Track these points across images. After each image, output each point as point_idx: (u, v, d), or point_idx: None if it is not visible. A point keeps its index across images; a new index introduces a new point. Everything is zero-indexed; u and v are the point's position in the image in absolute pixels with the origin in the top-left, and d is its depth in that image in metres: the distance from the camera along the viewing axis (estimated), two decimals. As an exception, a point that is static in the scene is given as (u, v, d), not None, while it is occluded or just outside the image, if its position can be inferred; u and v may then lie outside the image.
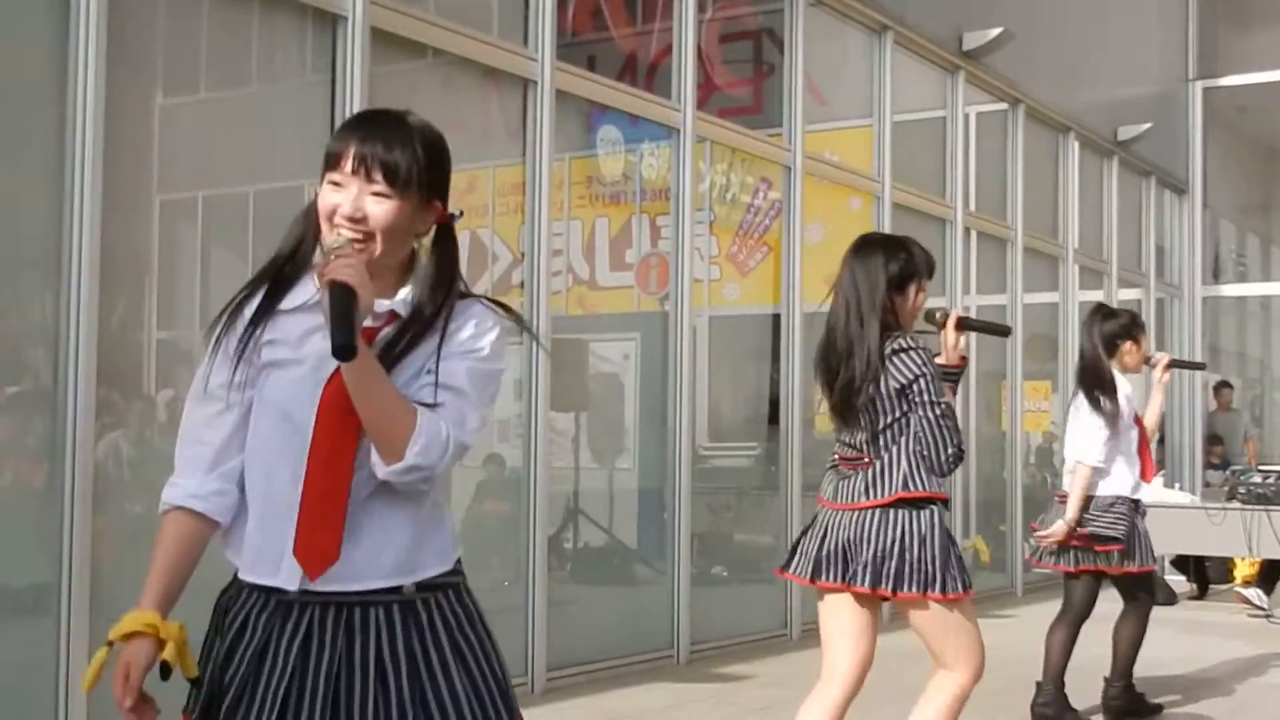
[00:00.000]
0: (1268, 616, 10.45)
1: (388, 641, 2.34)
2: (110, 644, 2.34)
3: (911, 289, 4.41)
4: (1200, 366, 11.63)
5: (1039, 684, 6.59)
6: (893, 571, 4.29)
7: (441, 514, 2.47)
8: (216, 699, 2.38)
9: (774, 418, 9.35)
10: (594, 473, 8.54)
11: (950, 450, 4.24)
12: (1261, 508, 10.27)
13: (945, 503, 4.38)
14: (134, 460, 5.83)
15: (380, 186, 2.34)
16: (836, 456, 4.55)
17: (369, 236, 2.34)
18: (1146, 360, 6.77)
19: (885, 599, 4.46)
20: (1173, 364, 7.09)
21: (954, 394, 4.48)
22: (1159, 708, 6.98)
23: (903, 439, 4.28)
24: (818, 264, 10.05)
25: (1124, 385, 6.53)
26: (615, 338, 8.74)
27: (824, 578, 4.45)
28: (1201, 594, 11.88)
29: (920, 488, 4.25)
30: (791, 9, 9.36)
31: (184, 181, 6.25)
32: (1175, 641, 9.11)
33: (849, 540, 4.37)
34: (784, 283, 9.31)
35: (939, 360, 4.42)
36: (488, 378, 2.41)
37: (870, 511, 4.31)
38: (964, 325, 4.61)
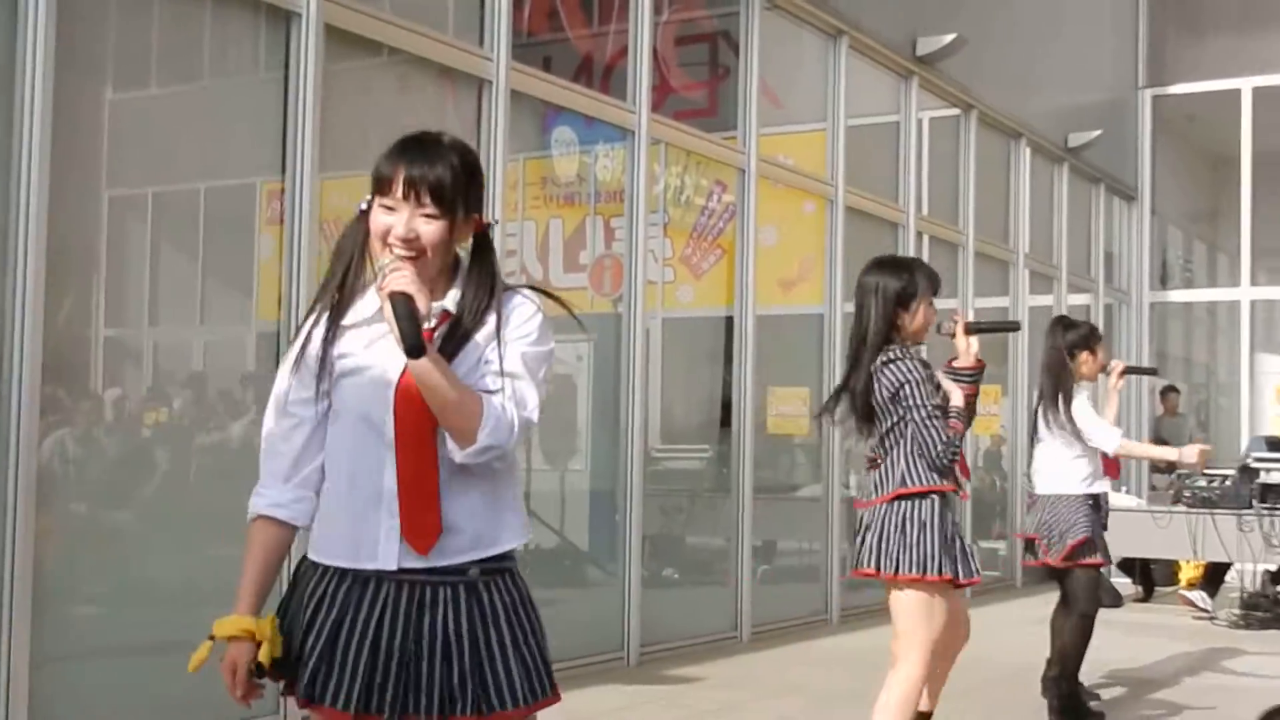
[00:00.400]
0: (1211, 619, 10.55)
1: (453, 620, 2.60)
2: (212, 638, 2.64)
3: (915, 307, 4.89)
4: (1153, 372, 11.74)
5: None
6: (894, 554, 4.74)
7: (514, 496, 2.75)
8: (299, 663, 2.63)
9: (726, 420, 9.36)
10: (546, 474, 8.52)
11: (939, 447, 4.72)
12: (1206, 511, 10.38)
13: (946, 495, 4.81)
14: (80, 459, 5.77)
15: (430, 209, 2.59)
16: (865, 459, 5.08)
17: (421, 252, 2.59)
18: (1103, 368, 7.01)
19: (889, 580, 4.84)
20: (1127, 370, 7.41)
21: (976, 392, 4.96)
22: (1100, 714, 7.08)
23: (903, 440, 4.78)
24: (771, 267, 10.08)
25: (1082, 388, 6.87)
26: (568, 339, 8.72)
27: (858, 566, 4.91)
28: (1147, 596, 11.99)
29: (916, 483, 4.76)
30: (747, 12, 9.38)
31: (134, 177, 6.19)
32: (1121, 643, 9.19)
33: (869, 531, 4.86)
34: (737, 285, 9.33)
35: (957, 364, 4.99)
36: (540, 358, 2.67)
37: (880, 506, 4.82)
38: (971, 330, 5.04)
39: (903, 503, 4.77)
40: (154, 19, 6.16)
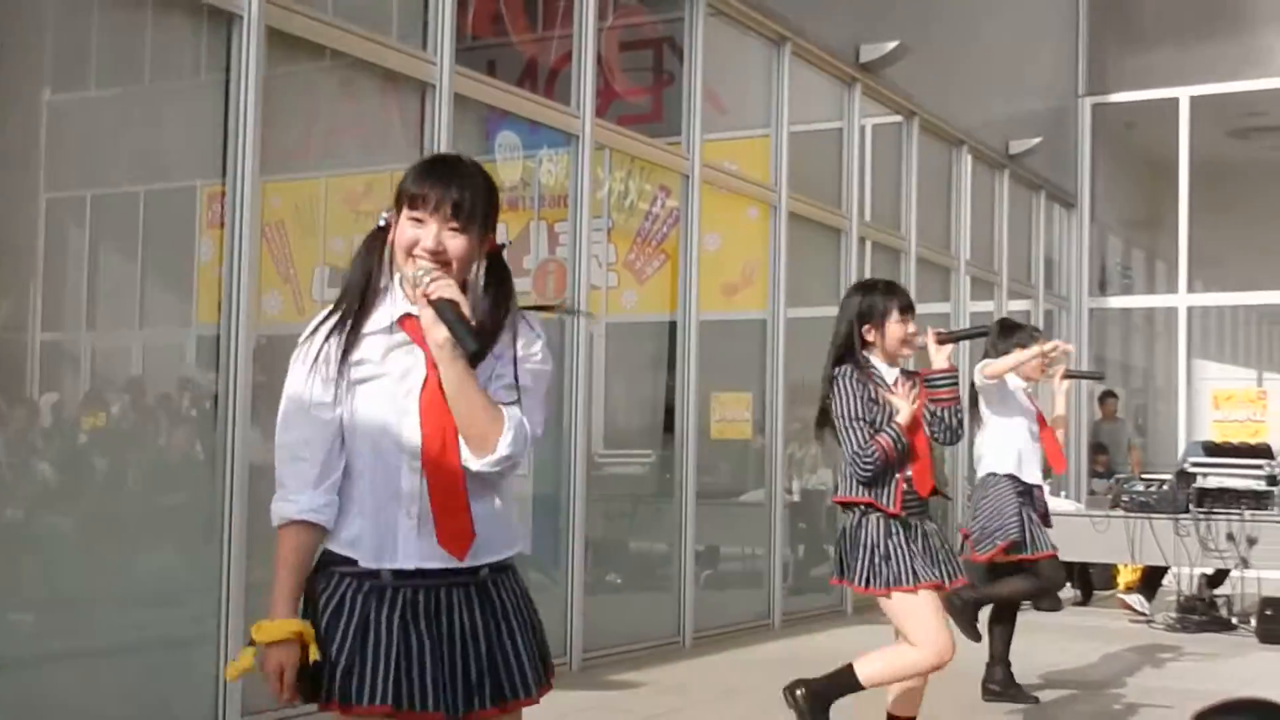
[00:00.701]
0: (1149, 622, 10.66)
1: (469, 618, 2.77)
2: (252, 644, 2.71)
3: (884, 324, 5.11)
4: (1098, 376, 11.84)
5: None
6: (838, 561, 5.18)
7: (512, 504, 2.93)
8: (324, 671, 2.71)
9: (669, 425, 9.37)
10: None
11: (848, 462, 5.06)
12: (1144, 516, 10.49)
13: (870, 506, 5.07)
14: (15, 465, 5.71)
15: (456, 224, 2.74)
16: None
17: (446, 265, 2.73)
18: (1044, 369, 7.18)
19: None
20: (1069, 375, 7.60)
21: (952, 397, 5.21)
22: (1034, 698, 7.32)
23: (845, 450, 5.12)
24: (715, 272, 10.10)
25: (1013, 379, 7.09)
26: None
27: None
28: (1085, 600, 12.10)
29: (845, 493, 5.12)
30: (691, 19, 9.40)
31: (72, 180, 6.13)
32: (1059, 646, 9.28)
33: None
34: (681, 291, 9.34)
35: (933, 369, 5.25)
36: (544, 377, 2.86)
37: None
38: (944, 340, 5.29)
39: (846, 512, 5.15)
40: (93, 20, 6.10)
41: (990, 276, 14.33)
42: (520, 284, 8.90)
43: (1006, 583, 7.08)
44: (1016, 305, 14.98)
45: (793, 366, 10.26)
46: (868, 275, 11.84)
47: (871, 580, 5.01)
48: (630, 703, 7.23)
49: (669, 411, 9.40)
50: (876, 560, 5.01)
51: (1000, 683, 7.25)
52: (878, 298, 5.16)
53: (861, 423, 5.01)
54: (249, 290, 6.06)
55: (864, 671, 5.15)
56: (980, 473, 7.14)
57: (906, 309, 5.16)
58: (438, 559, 2.74)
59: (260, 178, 6.18)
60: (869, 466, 4.99)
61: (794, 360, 10.27)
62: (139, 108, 6.41)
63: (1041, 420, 7.18)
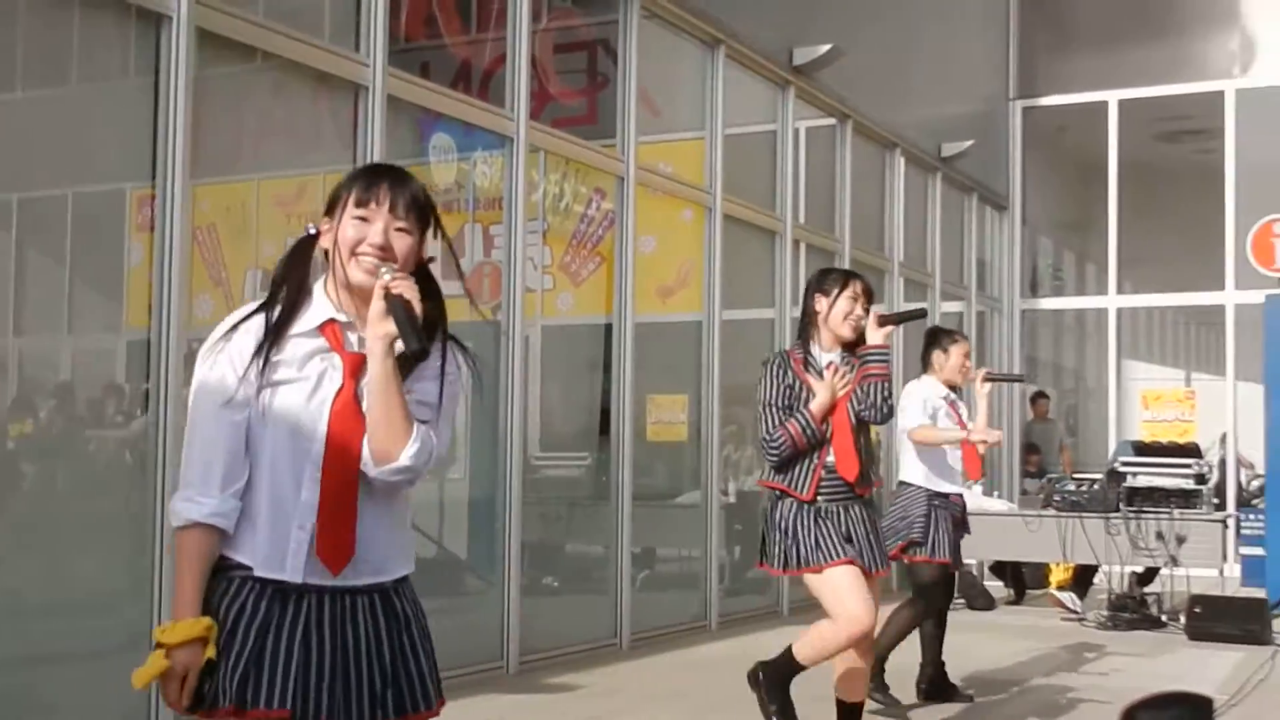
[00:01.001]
0: (1081, 620, 10.77)
1: (373, 626, 2.74)
2: (161, 646, 2.60)
3: (838, 298, 5.36)
4: (1019, 379, 11.95)
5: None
6: (759, 547, 5.47)
7: (409, 521, 2.93)
8: (221, 676, 2.64)
9: (605, 428, 9.36)
10: (424, 483, 8.39)
11: (762, 441, 5.32)
12: (1075, 515, 10.61)
13: (784, 493, 5.30)
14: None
15: (403, 223, 2.74)
16: None
17: (385, 261, 2.71)
18: (965, 370, 7.28)
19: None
20: (990, 377, 7.64)
21: (883, 372, 5.30)
22: (970, 696, 7.41)
23: None
24: (650, 274, 10.12)
25: (935, 386, 7.26)
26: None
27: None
28: (1018, 598, 12.21)
29: (764, 478, 5.42)
30: (625, 21, 9.40)
31: (-1, 182, 6.04)
32: (992, 644, 9.36)
33: None
34: (616, 293, 9.34)
35: (863, 347, 5.37)
36: (455, 401, 2.86)
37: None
38: (884, 321, 5.43)
39: (766, 496, 5.46)
40: (19, 20, 6.02)
41: (924, 278, 14.43)
42: (455, 287, 8.93)
43: (892, 623, 7.10)
44: (950, 307, 15.11)
45: (728, 368, 10.29)
46: (802, 277, 11.92)
47: (786, 563, 5.26)
48: (568, 705, 7.22)
49: (605, 414, 9.40)
50: (787, 544, 5.25)
51: (932, 682, 7.32)
52: (837, 274, 5.55)
53: (774, 409, 5.25)
54: (180, 294, 6.00)
55: (799, 651, 5.38)
56: (898, 477, 7.25)
57: (866, 293, 5.40)
58: (323, 575, 2.69)
59: (190, 180, 6.11)
60: (775, 452, 5.25)
61: (729, 362, 10.30)
62: (67, 109, 6.33)
63: (963, 427, 7.24)
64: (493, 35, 8.52)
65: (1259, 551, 12.13)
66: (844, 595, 5.18)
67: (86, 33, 6.30)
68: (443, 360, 2.80)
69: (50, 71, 6.25)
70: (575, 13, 9.91)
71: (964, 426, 7.22)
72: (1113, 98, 16.20)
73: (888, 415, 5.37)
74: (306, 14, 7.22)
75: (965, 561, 11.70)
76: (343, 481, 2.68)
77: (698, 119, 10.48)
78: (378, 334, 2.64)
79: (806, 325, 5.44)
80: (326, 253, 2.80)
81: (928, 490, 7.03)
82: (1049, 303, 17.69)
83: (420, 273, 2.80)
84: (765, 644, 9.43)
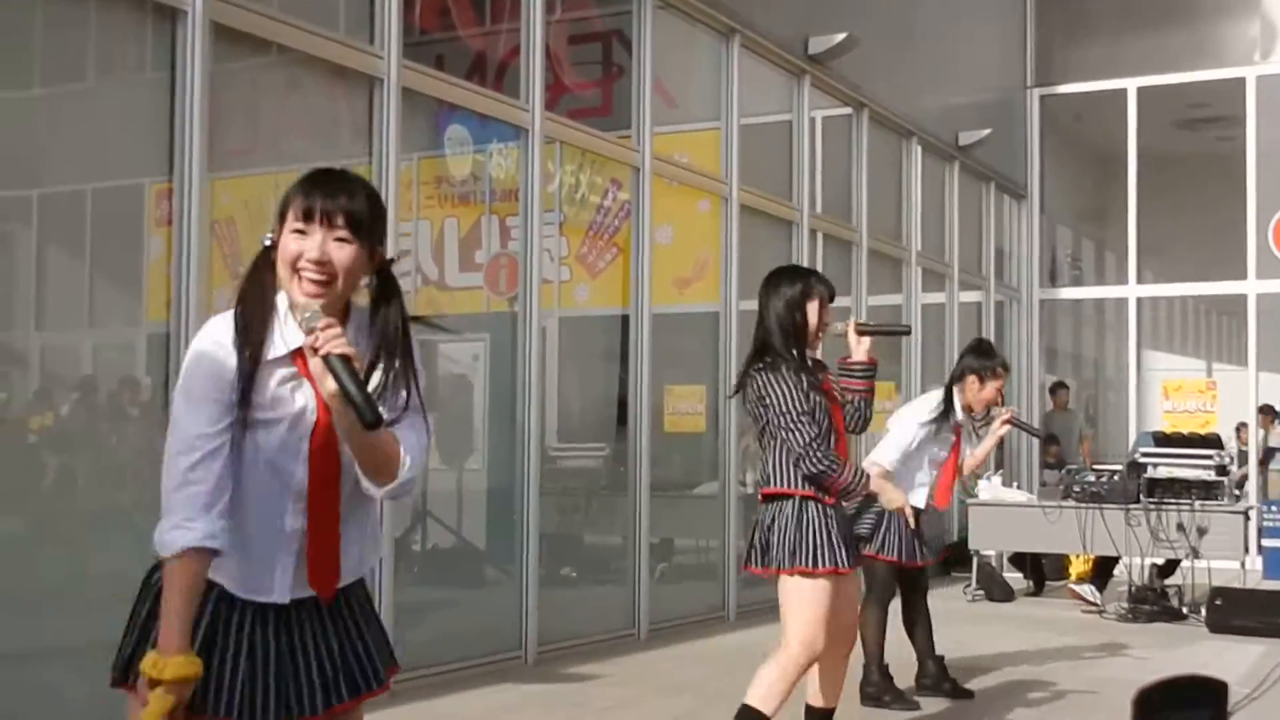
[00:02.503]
0: (1100, 612, 10.74)
1: (318, 625, 2.78)
2: (158, 683, 2.55)
3: (807, 310, 5.21)
4: (1038, 435, 11.77)
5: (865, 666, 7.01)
6: (760, 551, 5.16)
7: (379, 522, 2.95)
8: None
9: (623, 418, 9.38)
10: (443, 474, 8.48)
11: (795, 456, 5.07)
12: (1095, 506, 10.59)
13: (806, 499, 5.10)
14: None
15: (342, 232, 2.67)
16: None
17: (332, 278, 2.67)
18: (987, 407, 7.21)
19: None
20: (1012, 422, 7.50)
21: (868, 388, 5.27)
22: (969, 692, 7.33)
23: (774, 442, 5.14)
24: (666, 265, 10.12)
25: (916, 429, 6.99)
26: (464, 339, 8.69)
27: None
28: (1038, 590, 12.17)
29: (779, 485, 5.13)
30: (640, 11, 9.40)
31: (18, 179, 6.07)
32: (1011, 636, 9.35)
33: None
34: (633, 284, 9.35)
35: (849, 360, 5.35)
36: (424, 388, 2.81)
37: (760, 506, 5.25)
38: (862, 331, 5.36)
39: (771, 504, 5.18)
40: (36, 17, 6.04)
41: (941, 268, 14.41)
42: (472, 279, 8.95)
43: (865, 632, 6.93)
44: (968, 297, 15.08)
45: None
46: (820, 267, 11.91)
47: (821, 561, 5.03)
48: (585, 695, 7.24)
49: (622, 405, 9.41)
50: (821, 543, 5.07)
51: (932, 677, 7.29)
52: (798, 287, 5.27)
53: (806, 416, 5.05)
54: (199, 287, 6.03)
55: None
56: None
57: (831, 298, 5.31)
58: (306, 591, 2.76)
59: (208, 174, 6.14)
60: (831, 472, 5.05)
61: (747, 353, 10.27)
62: (84, 105, 6.36)
63: (955, 451, 7.14)
64: (507, 27, 8.53)
65: (1280, 544, 12.10)
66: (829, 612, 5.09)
67: (103, 28, 6.32)
68: (413, 358, 2.76)
69: (67, 68, 6.28)
70: (589, 3, 9.91)
71: (955, 454, 7.11)
72: (1131, 85, 16.13)
73: (866, 428, 5.41)
74: (321, 7, 7.24)
75: (984, 553, 11.77)
76: (326, 511, 2.72)
77: (713, 109, 10.47)
78: (327, 391, 2.60)
79: (776, 338, 5.24)
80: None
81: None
82: (1068, 292, 17.63)
83: (381, 275, 2.76)
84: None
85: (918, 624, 7.36)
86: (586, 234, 9.57)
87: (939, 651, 7.36)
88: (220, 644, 2.68)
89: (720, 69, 10.45)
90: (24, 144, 6.02)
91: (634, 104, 9.40)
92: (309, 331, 2.59)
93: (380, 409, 2.55)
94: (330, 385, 2.56)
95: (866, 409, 5.31)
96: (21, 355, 6.11)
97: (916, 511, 6.86)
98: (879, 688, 7.00)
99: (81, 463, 6.22)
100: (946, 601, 11.51)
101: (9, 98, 6.03)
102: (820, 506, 5.10)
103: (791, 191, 11.42)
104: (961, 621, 9.84)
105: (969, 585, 11.71)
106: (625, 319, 9.44)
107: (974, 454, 7.38)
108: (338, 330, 2.57)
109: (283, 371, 2.69)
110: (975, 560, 11.70)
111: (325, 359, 2.55)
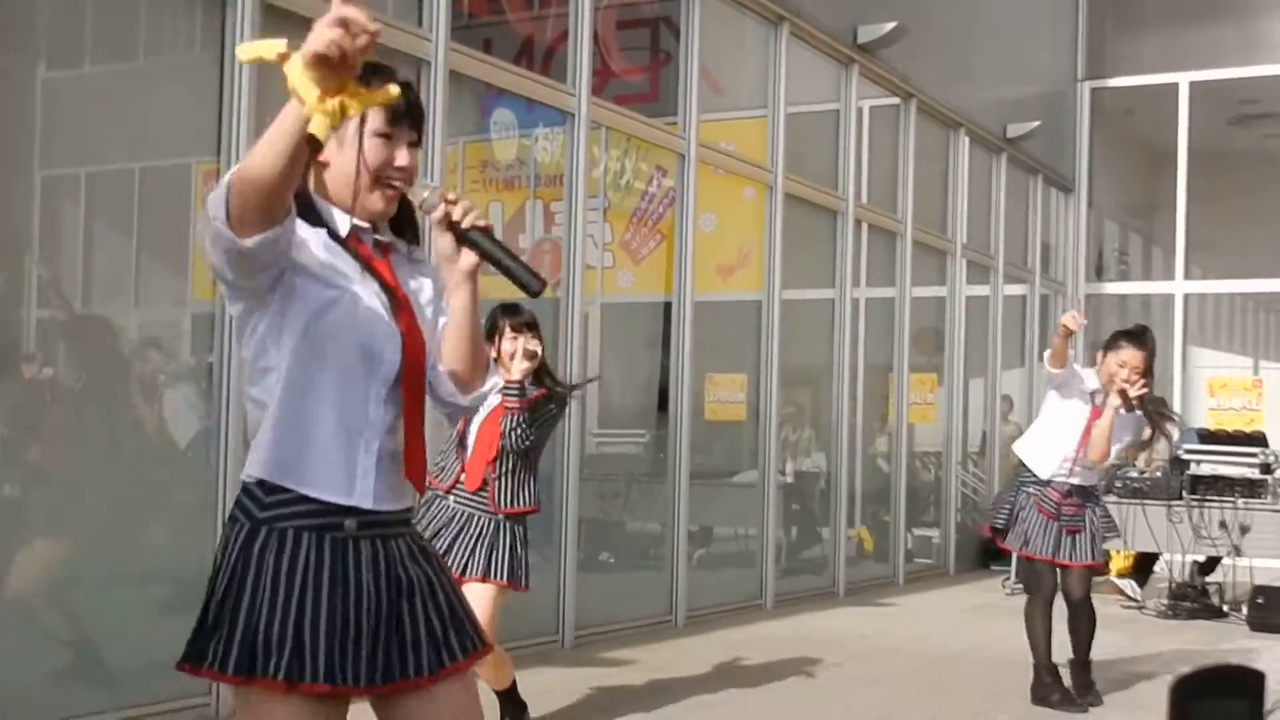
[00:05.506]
0: (1140, 608, 10.68)
1: (418, 569, 2.52)
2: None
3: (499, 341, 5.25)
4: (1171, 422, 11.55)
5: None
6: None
7: None
8: (257, 642, 2.38)
9: (664, 405, 9.38)
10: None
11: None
12: (1137, 502, 10.53)
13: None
14: (10, 442, 5.72)
15: (414, 137, 2.57)
16: None
17: (408, 183, 2.55)
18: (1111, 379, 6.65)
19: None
20: (1139, 406, 6.65)
21: (519, 405, 5.17)
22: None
23: None
24: (710, 253, 10.11)
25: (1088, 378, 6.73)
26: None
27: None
28: (1078, 585, 12.10)
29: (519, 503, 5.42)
30: (688, -2, 9.38)
31: (67, 157, 6.12)
32: (1052, 630, 9.29)
33: None
34: (676, 271, 9.34)
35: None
36: None
37: None
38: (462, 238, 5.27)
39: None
40: (87, -4, 6.09)
41: (986, 260, 14.33)
42: (515, 263, 8.96)
43: (1030, 633, 7.00)
44: (1012, 290, 15.00)
45: (787, 348, 10.27)
46: (864, 257, 11.89)
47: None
48: (622, 680, 7.26)
49: (663, 392, 9.41)
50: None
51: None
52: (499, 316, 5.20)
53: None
54: (243, 267, 6.05)
55: None
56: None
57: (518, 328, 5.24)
58: (390, 500, 2.49)
59: (255, 154, 6.16)
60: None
61: (789, 342, 10.28)
62: (134, 85, 6.40)
63: (1095, 414, 6.68)
64: (555, 11, 8.53)
65: (1324, 541, 11.97)
66: None
67: (153, 8, 6.36)
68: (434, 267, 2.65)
69: (117, 47, 6.32)
70: (638, -10, 9.90)
71: (1087, 434, 6.66)
72: (1183, 79, 15.98)
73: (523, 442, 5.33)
74: (371, -11, 7.25)
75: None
76: (418, 400, 2.53)
77: (760, 97, 10.45)
78: (462, 267, 2.50)
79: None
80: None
81: (1024, 470, 6.82)
82: (1114, 287, 17.50)
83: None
84: (820, 625, 9.46)
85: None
86: (630, 220, 9.57)
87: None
88: (328, 597, 2.39)
89: (768, 57, 10.42)
90: (73, 123, 6.07)
91: (681, 91, 9.38)
92: (431, 210, 2.49)
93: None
94: (467, 261, 2.49)
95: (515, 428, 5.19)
96: (68, 333, 6.16)
97: (1048, 482, 6.69)
98: (1048, 688, 6.91)
99: (126, 439, 6.27)
100: (985, 594, 11.48)
101: (59, 77, 6.08)
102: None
103: (837, 181, 11.39)
104: (1000, 615, 9.81)
105: (1007, 579, 11.66)
106: (668, 306, 9.44)
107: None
108: (468, 201, 2.51)
109: (334, 250, 2.48)
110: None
111: (465, 234, 2.47)
